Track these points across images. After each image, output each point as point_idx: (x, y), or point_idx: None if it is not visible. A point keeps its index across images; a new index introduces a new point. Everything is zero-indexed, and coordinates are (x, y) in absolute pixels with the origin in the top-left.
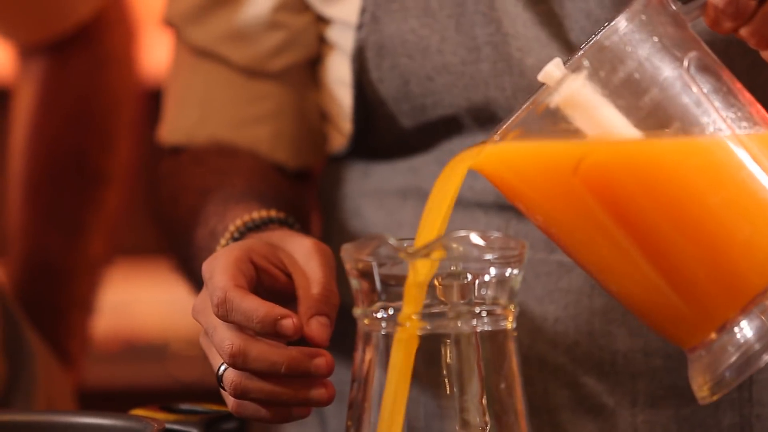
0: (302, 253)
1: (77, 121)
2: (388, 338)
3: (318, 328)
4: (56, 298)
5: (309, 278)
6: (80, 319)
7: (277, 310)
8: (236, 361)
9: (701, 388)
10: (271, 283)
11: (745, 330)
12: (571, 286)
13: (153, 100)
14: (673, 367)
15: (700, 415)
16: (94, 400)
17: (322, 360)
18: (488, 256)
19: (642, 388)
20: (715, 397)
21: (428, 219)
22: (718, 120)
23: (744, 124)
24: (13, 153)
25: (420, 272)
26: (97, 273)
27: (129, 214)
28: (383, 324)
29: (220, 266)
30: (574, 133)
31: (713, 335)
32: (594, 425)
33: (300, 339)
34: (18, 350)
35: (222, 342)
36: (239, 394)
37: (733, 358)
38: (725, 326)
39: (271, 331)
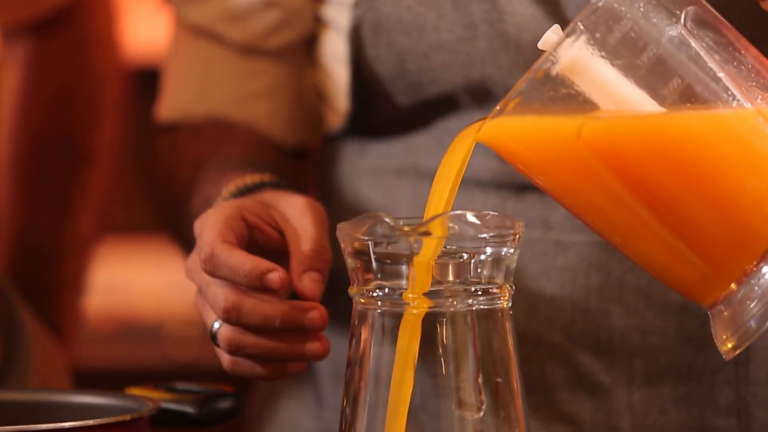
0: (294, 210)
1: (62, 101)
2: (384, 317)
3: (310, 283)
4: (47, 278)
5: (301, 235)
6: (71, 298)
7: (264, 264)
8: (230, 316)
9: (724, 343)
10: (264, 240)
11: (763, 279)
12: (567, 265)
13: (137, 79)
14: (670, 345)
15: (696, 394)
16: (88, 380)
17: (316, 313)
18: (484, 235)
19: (638, 366)
20: (738, 351)
21: (435, 196)
22: (720, 74)
23: (750, 76)
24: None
25: (426, 251)
26: (87, 252)
27: (123, 193)
28: (379, 303)
29: (210, 223)
30: (575, 97)
31: (733, 286)
32: (590, 403)
33: (293, 296)
34: (12, 329)
35: (215, 297)
36: (234, 350)
37: (755, 308)
38: (742, 278)
39: (258, 285)
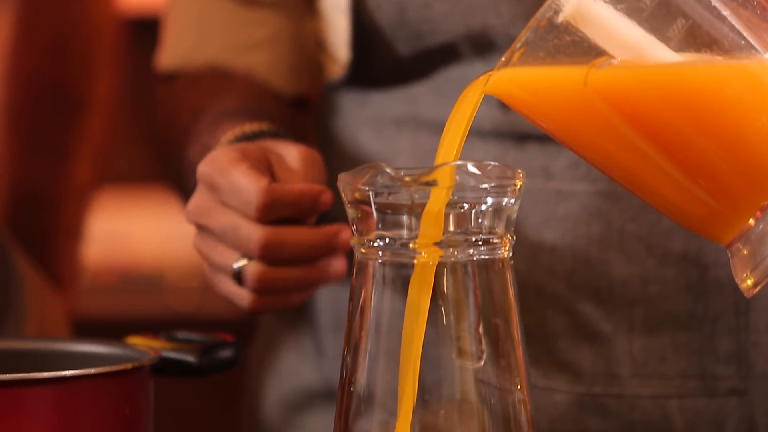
0: (292, 156)
1: (57, 48)
2: (385, 266)
3: None
4: (44, 225)
5: (296, 180)
6: (69, 246)
7: (315, 186)
8: (270, 251)
9: (744, 281)
10: None
11: None
12: (568, 214)
13: (135, 28)
14: (670, 294)
15: (696, 342)
16: (88, 330)
17: (347, 233)
18: (485, 186)
19: (639, 314)
20: (758, 287)
21: (444, 148)
22: (724, 12)
23: (755, 13)
24: None
25: (435, 201)
26: (85, 200)
27: (123, 143)
28: (380, 253)
29: (236, 167)
30: (580, 44)
31: (751, 222)
32: (590, 352)
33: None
34: (7, 277)
35: (249, 235)
36: (264, 286)
37: None
38: (758, 214)
39: (312, 208)
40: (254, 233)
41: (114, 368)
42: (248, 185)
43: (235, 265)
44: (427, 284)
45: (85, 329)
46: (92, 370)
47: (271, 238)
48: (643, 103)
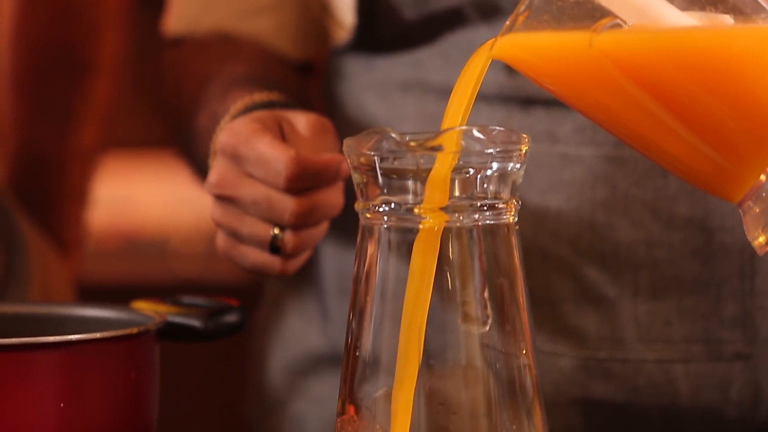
0: (304, 124)
1: (62, 13)
2: (390, 231)
3: None
4: (50, 189)
5: (308, 148)
6: (75, 209)
7: (336, 156)
8: (303, 218)
9: (756, 238)
10: None
11: None
12: (573, 178)
13: None
14: (676, 258)
15: (701, 306)
16: (93, 295)
17: (344, 165)
18: (490, 151)
19: (644, 279)
20: None
21: (451, 113)
22: None
23: None
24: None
25: (441, 166)
26: (90, 164)
27: (129, 108)
28: (385, 218)
29: (260, 138)
30: (584, 5)
31: (762, 177)
32: (595, 316)
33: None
34: (12, 241)
35: (282, 204)
36: (299, 249)
37: None
38: None
39: (334, 177)
40: (288, 203)
41: (120, 332)
42: (277, 156)
43: (272, 235)
44: (433, 249)
45: (89, 293)
46: (98, 335)
47: (304, 206)
48: (649, 64)
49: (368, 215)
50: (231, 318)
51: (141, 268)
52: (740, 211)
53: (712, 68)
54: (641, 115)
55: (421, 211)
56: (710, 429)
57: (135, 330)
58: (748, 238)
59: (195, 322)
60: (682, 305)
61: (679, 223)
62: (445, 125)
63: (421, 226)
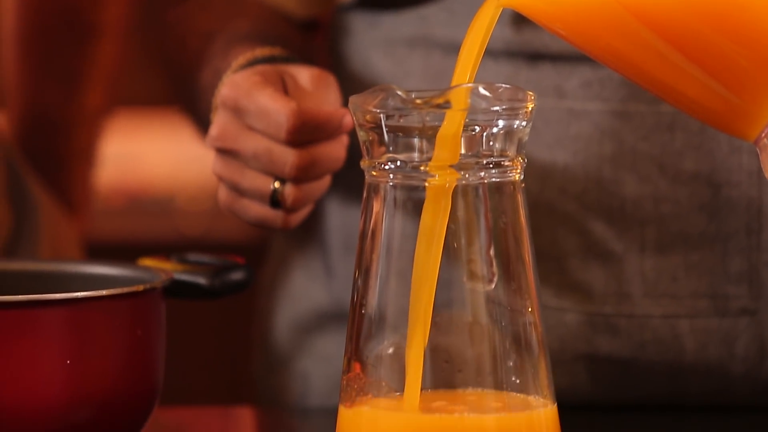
0: (306, 78)
1: None
2: (396, 189)
3: None
4: (57, 149)
5: (311, 101)
6: (82, 170)
7: (339, 110)
8: (304, 171)
9: None
10: None
11: None
12: (580, 133)
13: None
14: (682, 213)
15: (707, 262)
16: (98, 252)
17: (348, 118)
18: (496, 108)
19: (650, 234)
20: None
21: (459, 68)
22: None
23: None
24: (4, 9)
25: (449, 123)
26: (97, 124)
27: (134, 66)
28: (391, 175)
29: (261, 90)
30: None
31: None
32: (602, 271)
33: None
34: (21, 199)
35: (283, 157)
36: (300, 203)
37: None
38: None
39: (337, 130)
40: (289, 156)
41: (126, 290)
42: (278, 108)
43: (272, 188)
44: (444, 207)
45: (95, 251)
46: (104, 292)
47: (305, 159)
48: (660, 6)
49: (374, 173)
50: (237, 275)
51: (146, 226)
52: (757, 148)
53: (723, 7)
54: (654, 57)
55: (430, 169)
56: (715, 385)
57: (141, 287)
58: (765, 174)
59: (201, 280)
60: (688, 260)
61: (686, 178)
62: (454, 81)
63: (429, 184)
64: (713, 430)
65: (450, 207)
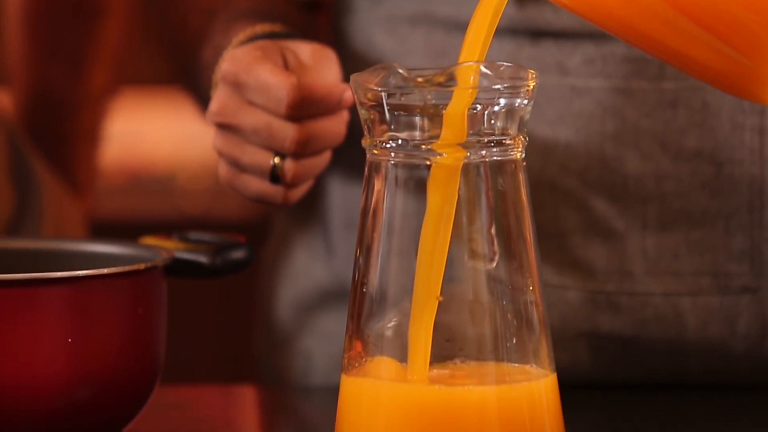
0: (307, 53)
1: None
2: (398, 168)
3: None
4: (61, 130)
5: (311, 77)
6: (87, 150)
7: (340, 85)
8: (303, 146)
9: None
10: None
11: None
12: (582, 110)
13: None
14: (684, 190)
15: (709, 239)
16: (100, 230)
17: (348, 94)
18: (498, 86)
19: (652, 211)
20: None
21: (469, 44)
22: None
23: None
24: None
25: (456, 101)
26: (102, 104)
27: (137, 45)
28: (392, 154)
29: (261, 65)
30: None
31: None
32: (604, 249)
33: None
34: (25, 178)
35: (283, 132)
36: (300, 178)
37: None
38: None
39: (337, 105)
40: (289, 130)
41: (127, 268)
42: (278, 83)
43: (272, 164)
44: (453, 185)
45: (97, 229)
46: (105, 270)
47: (305, 134)
48: None
49: (375, 151)
50: (238, 254)
51: (148, 205)
52: None
53: None
54: (662, 24)
55: (438, 147)
56: (717, 363)
57: (142, 266)
58: None
59: (202, 259)
60: (690, 238)
61: (688, 156)
62: (462, 59)
63: (435, 163)
64: (714, 409)
65: (459, 185)
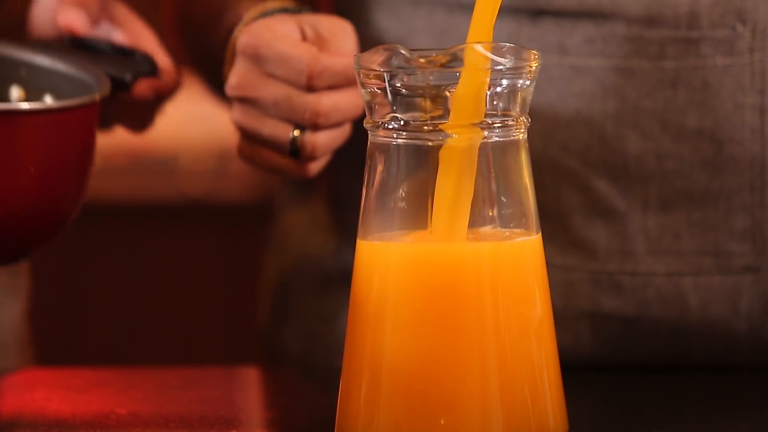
0: (325, 26)
1: None
2: (400, 149)
3: None
4: None
5: (329, 49)
6: None
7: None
8: (324, 118)
9: None
10: None
11: None
12: (583, 90)
13: None
14: (685, 170)
15: (711, 219)
16: (100, 213)
17: None
18: (500, 68)
19: (653, 191)
20: None
21: (476, 25)
22: None
23: None
24: None
25: (470, 82)
26: None
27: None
28: (395, 135)
29: (281, 38)
30: None
31: None
32: (605, 229)
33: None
34: None
35: (304, 105)
36: (319, 151)
37: None
38: None
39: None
40: (309, 102)
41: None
42: (298, 54)
43: (292, 137)
44: (471, 164)
45: (99, 212)
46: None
47: (325, 106)
48: None
49: (378, 132)
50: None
51: (149, 186)
52: None
53: None
54: None
55: (448, 128)
56: (719, 343)
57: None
58: None
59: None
60: (691, 217)
61: (689, 135)
62: (470, 39)
63: (435, 143)
64: (716, 390)
65: (476, 166)
